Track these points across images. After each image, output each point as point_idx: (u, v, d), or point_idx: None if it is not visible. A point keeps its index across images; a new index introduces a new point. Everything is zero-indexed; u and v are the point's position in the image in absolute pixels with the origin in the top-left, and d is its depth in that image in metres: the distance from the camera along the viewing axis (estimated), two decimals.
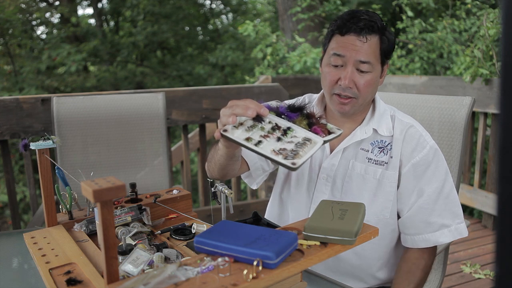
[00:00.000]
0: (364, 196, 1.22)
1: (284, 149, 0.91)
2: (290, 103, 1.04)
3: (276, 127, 0.97)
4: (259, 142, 0.92)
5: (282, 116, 1.01)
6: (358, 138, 1.22)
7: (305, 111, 1.02)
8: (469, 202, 3.22)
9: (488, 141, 3.39)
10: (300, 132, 0.96)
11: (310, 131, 0.97)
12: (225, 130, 0.94)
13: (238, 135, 0.93)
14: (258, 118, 0.96)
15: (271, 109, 1.01)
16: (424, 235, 1.21)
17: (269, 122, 0.98)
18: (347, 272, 1.27)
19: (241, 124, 0.96)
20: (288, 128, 0.97)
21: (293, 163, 0.86)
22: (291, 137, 0.95)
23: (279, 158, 0.88)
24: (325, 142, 0.96)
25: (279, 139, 0.94)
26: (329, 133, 1.00)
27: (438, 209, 1.20)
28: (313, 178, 1.28)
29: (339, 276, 1.24)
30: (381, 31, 1.16)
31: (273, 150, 0.90)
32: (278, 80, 3.66)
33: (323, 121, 1.02)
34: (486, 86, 3.00)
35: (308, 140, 0.94)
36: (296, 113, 1.01)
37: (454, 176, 1.42)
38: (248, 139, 0.92)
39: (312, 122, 1.00)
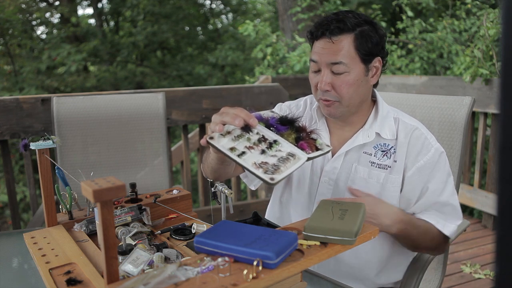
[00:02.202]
0: None
1: (266, 162, 0.90)
2: (283, 115, 1.03)
3: (262, 139, 0.96)
4: (243, 153, 0.92)
5: (271, 128, 1.00)
6: (360, 141, 1.22)
7: (296, 124, 1.01)
8: (469, 202, 3.22)
9: (488, 141, 3.39)
10: (286, 146, 0.96)
11: (296, 146, 0.97)
12: (211, 138, 0.94)
13: (223, 144, 0.93)
14: (246, 128, 0.96)
15: (261, 120, 1.01)
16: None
17: (257, 133, 0.97)
18: (347, 274, 1.27)
19: (228, 132, 0.96)
20: (275, 141, 0.96)
21: (272, 178, 0.86)
22: (276, 150, 0.94)
23: (259, 172, 0.88)
24: (309, 159, 0.95)
25: (263, 151, 0.93)
26: (317, 149, 0.99)
27: (433, 210, 1.21)
28: (314, 181, 1.28)
29: (339, 278, 1.24)
30: (355, 29, 1.14)
31: (254, 163, 0.90)
32: (278, 80, 3.65)
33: (313, 136, 1.02)
34: (486, 86, 3.00)
35: (292, 155, 0.93)
36: (286, 126, 1.00)
37: (454, 176, 1.42)
38: (232, 149, 0.92)
39: (300, 137, 0.99)
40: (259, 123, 0.99)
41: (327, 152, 1.00)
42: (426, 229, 1.19)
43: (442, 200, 1.19)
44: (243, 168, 0.91)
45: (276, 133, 0.99)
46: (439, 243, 1.22)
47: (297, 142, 0.98)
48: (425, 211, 1.21)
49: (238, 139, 0.95)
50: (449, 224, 1.20)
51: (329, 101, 1.18)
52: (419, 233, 1.18)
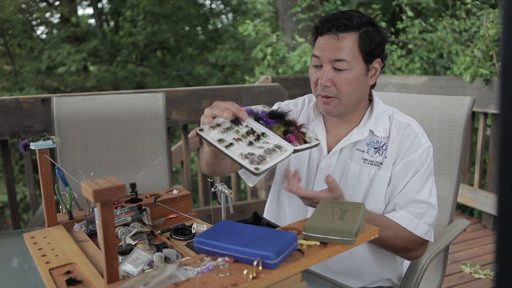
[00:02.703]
0: (358, 196, 1.22)
1: (253, 153, 0.92)
2: (273, 109, 1.05)
3: (251, 132, 0.98)
4: (231, 144, 0.94)
5: (260, 122, 1.02)
6: (354, 139, 1.23)
7: (286, 118, 1.04)
8: (469, 202, 3.22)
9: (488, 141, 3.39)
10: (273, 138, 0.98)
11: (284, 138, 0.99)
12: (201, 130, 0.96)
13: (212, 135, 0.96)
14: (236, 121, 0.98)
15: (251, 113, 1.03)
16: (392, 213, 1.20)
17: (246, 126, 0.99)
18: (343, 271, 1.27)
19: (218, 125, 0.98)
20: (263, 134, 0.98)
21: (256, 168, 0.88)
22: (263, 142, 0.96)
23: (244, 162, 0.90)
24: (295, 151, 0.97)
25: (250, 143, 0.95)
26: (305, 142, 1.01)
27: (408, 209, 1.19)
28: (310, 178, 1.29)
29: (336, 275, 1.24)
30: (360, 28, 1.15)
31: (241, 154, 0.92)
32: (278, 80, 3.65)
33: (303, 129, 1.04)
34: (486, 86, 3.00)
35: (279, 147, 0.96)
36: (275, 119, 1.03)
37: (454, 176, 1.42)
38: (220, 140, 0.94)
39: (289, 130, 1.01)
40: (249, 117, 1.01)
41: (316, 145, 1.02)
42: (396, 231, 1.16)
43: (419, 198, 1.18)
44: (230, 159, 0.92)
45: (265, 126, 1.01)
46: (411, 245, 1.20)
47: (285, 135, 1.00)
48: (400, 209, 1.19)
49: (227, 131, 0.97)
50: (422, 224, 1.18)
51: (328, 98, 1.18)
52: (388, 235, 1.15)
